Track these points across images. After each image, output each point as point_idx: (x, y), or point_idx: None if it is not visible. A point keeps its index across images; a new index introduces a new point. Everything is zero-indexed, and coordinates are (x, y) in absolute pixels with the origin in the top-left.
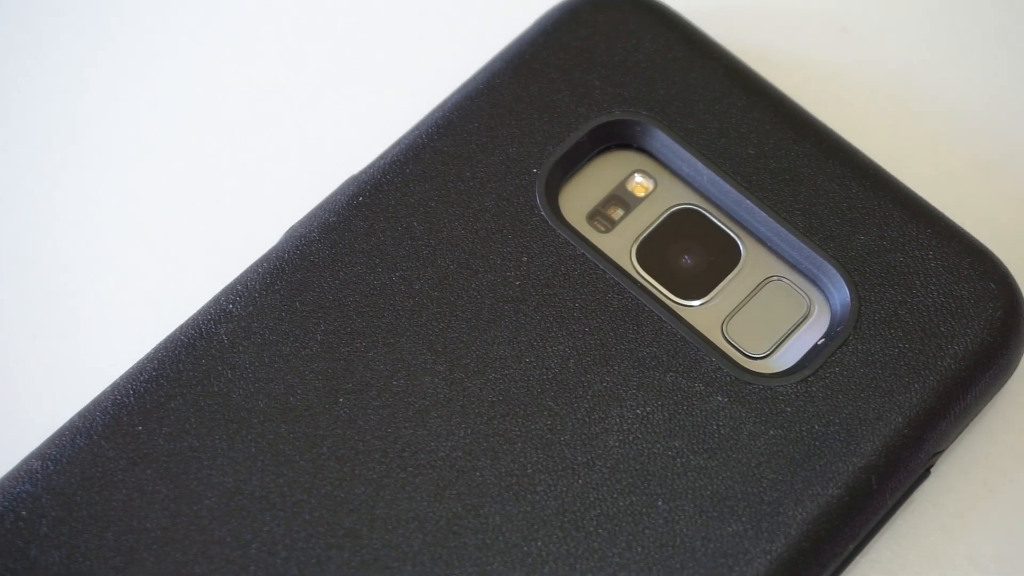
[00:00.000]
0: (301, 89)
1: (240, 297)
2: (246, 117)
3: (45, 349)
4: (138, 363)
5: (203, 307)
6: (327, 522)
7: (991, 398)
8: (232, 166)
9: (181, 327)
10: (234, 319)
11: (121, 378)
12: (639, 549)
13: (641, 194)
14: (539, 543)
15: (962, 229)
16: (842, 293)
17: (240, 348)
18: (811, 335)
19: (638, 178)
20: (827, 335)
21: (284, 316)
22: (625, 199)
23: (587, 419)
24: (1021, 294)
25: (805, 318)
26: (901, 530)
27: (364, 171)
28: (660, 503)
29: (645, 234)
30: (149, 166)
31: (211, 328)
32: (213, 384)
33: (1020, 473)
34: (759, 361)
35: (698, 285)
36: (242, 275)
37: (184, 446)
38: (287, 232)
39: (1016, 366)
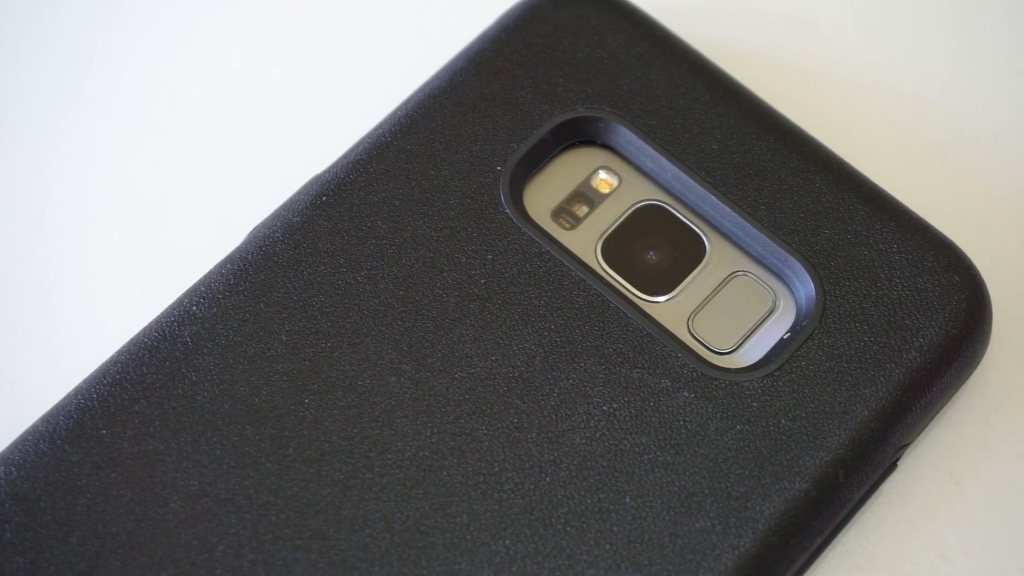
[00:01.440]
0: (263, 89)
1: (204, 299)
2: (208, 117)
3: (7, 354)
4: (101, 366)
5: (166, 309)
6: (294, 524)
7: (957, 390)
8: (195, 167)
9: (144, 330)
10: (198, 321)
11: (84, 382)
12: (607, 546)
13: (606, 191)
14: (507, 542)
15: (926, 222)
16: (807, 287)
17: (204, 350)
18: (777, 330)
19: (602, 175)
20: (792, 329)
21: (248, 317)
22: (590, 196)
23: (554, 417)
24: (985, 286)
25: (771, 313)
26: (869, 523)
27: (327, 170)
28: (628, 500)
29: (610, 231)
30: (110, 168)
31: (175, 330)
32: (177, 387)
33: (986, 464)
34: (725, 356)
35: (663, 281)
36: (205, 276)
37: (149, 449)
38: (251, 233)
39: (981, 358)
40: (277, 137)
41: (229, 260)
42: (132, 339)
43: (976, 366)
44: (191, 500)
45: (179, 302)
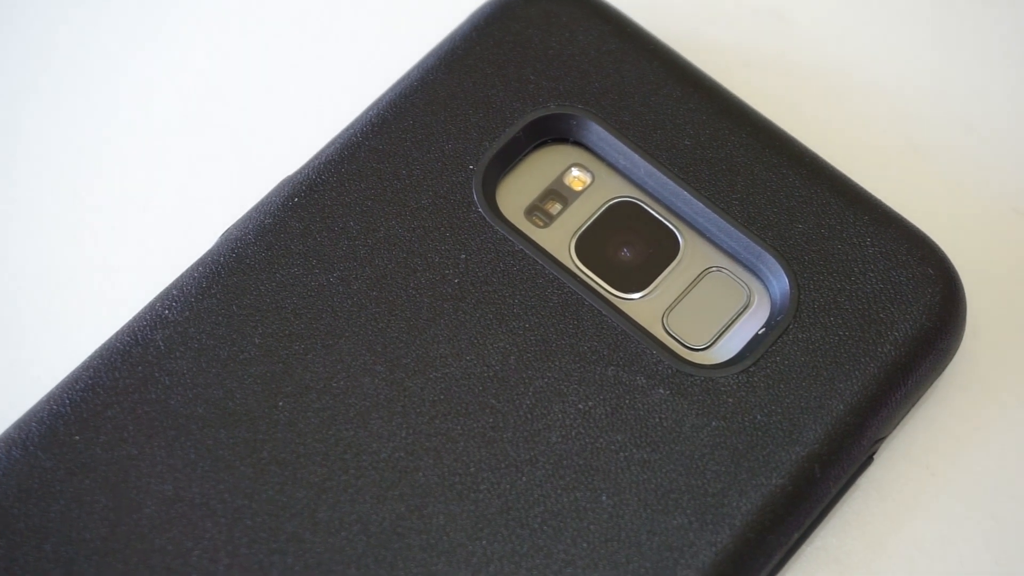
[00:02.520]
0: (233, 90)
1: (176, 302)
2: (178, 120)
3: None
4: (74, 372)
5: (139, 313)
6: (269, 527)
7: (932, 383)
8: (166, 170)
9: (117, 334)
10: (170, 325)
11: (57, 387)
12: (584, 545)
13: (579, 188)
14: (484, 542)
15: (899, 215)
16: (781, 282)
17: (177, 354)
18: (751, 325)
19: (575, 172)
20: (767, 325)
21: (221, 320)
22: (563, 193)
23: (529, 416)
24: (959, 278)
25: (745, 308)
26: (846, 517)
27: (299, 172)
28: (604, 498)
29: (583, 228)
30: (81, 171)
31: (147, 334)
32: (150, 391)
33: (962, 456)
34: (700, 353)
35: (638, 278)
36: (178, 280)
37: (122, 455)
38: (222, 235)
39: (956, 350)
40: (248, 138)
41: (201, 263)
42: (104, 344)
43: (951, 358)
44: (166, 505)
45: (151, 306)
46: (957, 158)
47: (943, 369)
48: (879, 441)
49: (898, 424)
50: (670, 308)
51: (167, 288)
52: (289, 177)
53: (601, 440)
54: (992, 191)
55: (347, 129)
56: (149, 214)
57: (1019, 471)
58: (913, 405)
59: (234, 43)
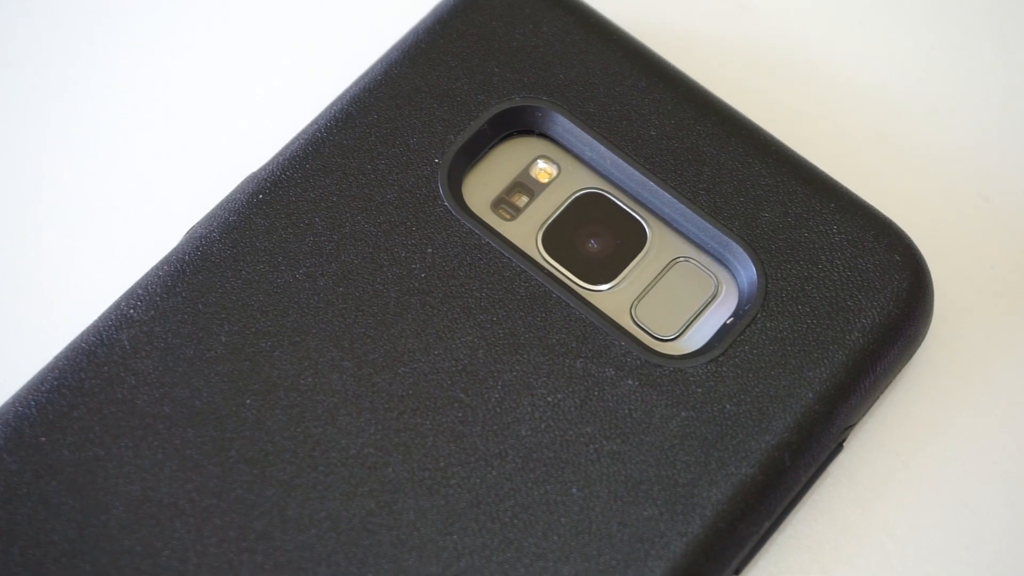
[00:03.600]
0: (196, 87)
1: (141, 301)
2: (141, 117)
3: None
4: (39, 373)
5: (104, 313)
6: (238, 526)
7: (900, 370)
8: (129, 168)
9: (82, 335)
10: (136, 324)
11: (22, 389)
12: (555, 538)
13: (545, 180)
14: (455, 537)
15: (865, 202)
16: (748, 271)
17: (143, 353)
18: (720, 315)
19: (541, 164)
20: (735, 314)
21: (187, 319)
22: (529, 186)
23: (498, 409)
24: (926, 265)
25: (713, 298)
26: (817, 505)
27: (263, 168)
28: (575, 490)
29: (550, 220)
30: (44, 171)
31: (112, 334)
32: (116, 391)
33: (931, 443)
34: (669, 343)
35: (605, 269)
36: (143, 279)
37: (89, 456)
38: (187, 233)
39: (924, 337)
40: (212, 135)
41: (166, 261)
42: (69, 345)
43: (919, 345)
44: (134, 505)
45: (116, 305)
46: (923, 144)
47: (912, 355)
48: (849, 428)
49: (867, 411)
50: (638, 299)
51: (132, 287)
52: (254, 174)
53: (571, 432)
54: (958, 177)
55: (311, 125)
56: (113, 213)
57: (988, 455)
58: (882, 392)
59: (198, 39)
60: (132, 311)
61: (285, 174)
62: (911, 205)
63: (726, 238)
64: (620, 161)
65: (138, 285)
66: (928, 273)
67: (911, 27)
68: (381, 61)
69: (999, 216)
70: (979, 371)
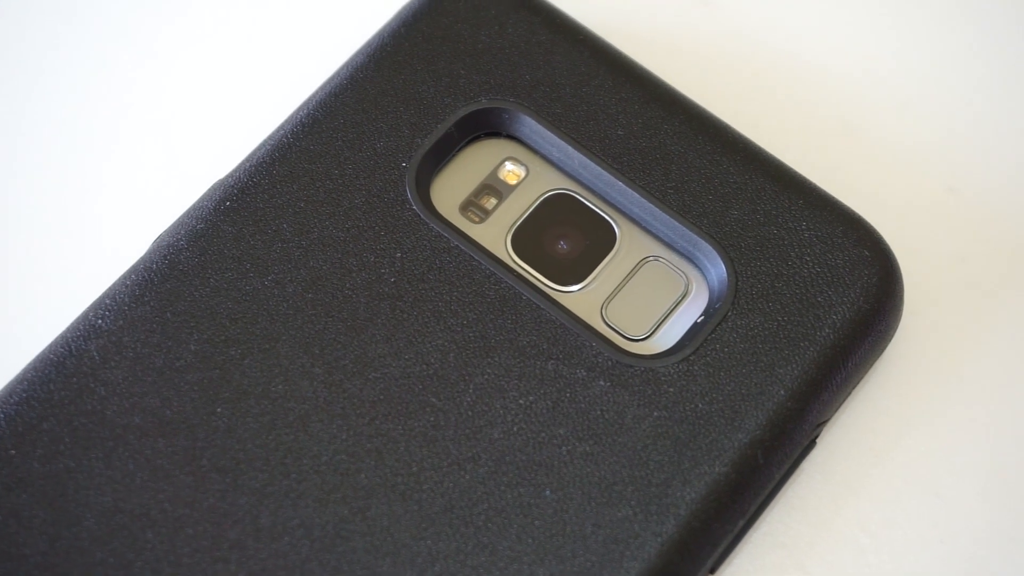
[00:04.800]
0: (162, 95)
1: (109, 311)
2: (107, 126)
3: None
4: (7, 385)
5: (72, 323)
6: (211, 535)
7: (872, 365)
8: (96, 177)
9: (50, 346)
10: (104, 334)
11: None
12: (530, 541)
13: (513, 182)
14: (429, 542)
15: (833, 197)
16: (718, 269)
17: (112, 364)
18: (690, 313)
19: (509, 166)
20: (706, 312)
21: (155, 328)
22: (497, 188)
23: (470, 413)
24: (895, 259)
25: (684, 297)
26: (791, 502)
27: (230, 175)
28: (548, 492)
29: (519, 222)
30: (10, 180)
31: (81, 345)
32: (86, 402)
33: (904, 438)
34: (640, 343)
35: (575, 270)
36: (111, 288)
37: (60, 468)
38: (155, 241)
39: (895, 331)
40: (179, 143)
41: (134, 271)
42: (37, 356)
43: (890, 339)
44: (106, 517)
45: (84, 316)
46: (889, 137)
47: (883, 350)
48: (821, 425)
49: (840, 407)
50: (608, 299)
51: (100, 297)
52: (220, 181)
53: (543, 434)
54: (925, 169)
55: (278, 131)
56: (80, 221)
57: (960, 448)
58: (854, 387)
59: (162, 46)
60: (100, 321)
61: (252, 181)
62: (880, 199)
63: (695, 236)
64: (588, 161)
65: (106, 295)
66: (897, 267)
67: (877, 21)
68: (347, 65)
69: (967, 209)
70: (950, 364)
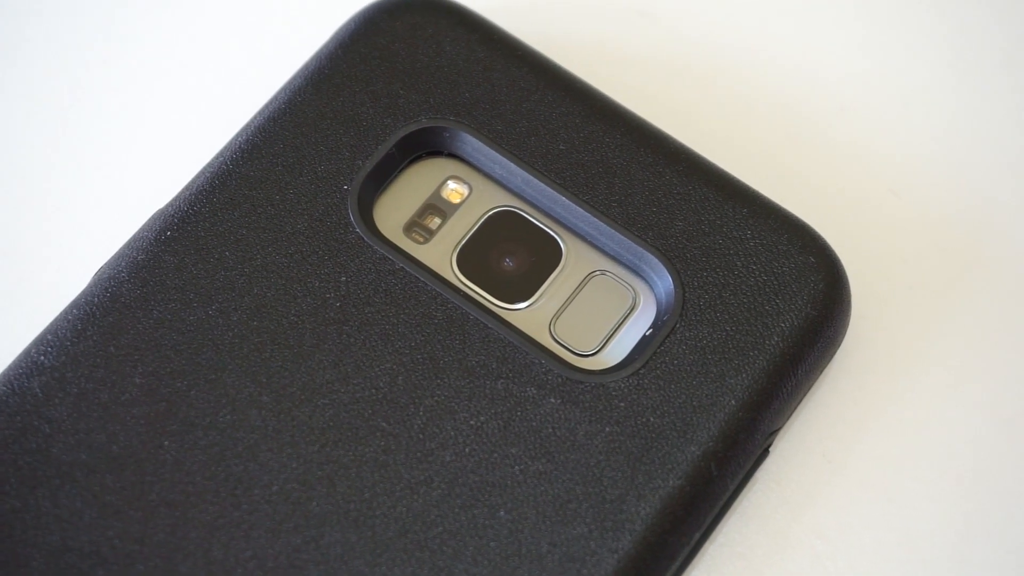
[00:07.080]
0: (98, 123)
1: (51, 347)
2: (43, 156)
3: None
4: None
5: (13, 361)
6: (163, 571)
7: (822, 371)
8: (33, 208)
9: None
10: (47, 371)
11: None
12: (485, 563)
13: (457, 200)
14: (384, 568)
15: (778, 205)
16: (665, 281)
17: (56, 400)
18: (639, 327)
19: (452, 184)
20: (654, 325)
21: (99, 362)
22: (441, 207)
23: (421, 436)
24: (841, 264)
25: (631, 310)
26: (747, 512)
27: (170, 204)
28: (502, 513)
29: (464, 241)
30: None
31: (23, 383)
32: (30, 441)
33: (856, 443)
34: (590, 358)
35: (522, 288)
36: (52, 324)
37: (5, 508)
38: (96, 274)
39: (843, 336)
40: (117, 172)
41: (75, 305)
42: None
43: (839, 345)
44: (54, 556)
45: (26, 353)
46: (832, 141)
47: (832, 356)
48: (774, 433)
49: (791, 415)
50: (556, 315)
51: (42, 333)
52: (160, 210)
53: (495, 455)
54: (868, 173)
55: (217, 157)
56: (17, 257)
57: (913, 451)
58: (805, 394)
59: (97, 72)
60: (43, 358)
61: (192, 209)
62: (823, 204)
63: (641, 249)
64: (531, 177)
65: (48, 331)
66: (843, 273)
67: (815, 26)
68: (284, 89)
69: (909, 210)
70: (899, 364)
